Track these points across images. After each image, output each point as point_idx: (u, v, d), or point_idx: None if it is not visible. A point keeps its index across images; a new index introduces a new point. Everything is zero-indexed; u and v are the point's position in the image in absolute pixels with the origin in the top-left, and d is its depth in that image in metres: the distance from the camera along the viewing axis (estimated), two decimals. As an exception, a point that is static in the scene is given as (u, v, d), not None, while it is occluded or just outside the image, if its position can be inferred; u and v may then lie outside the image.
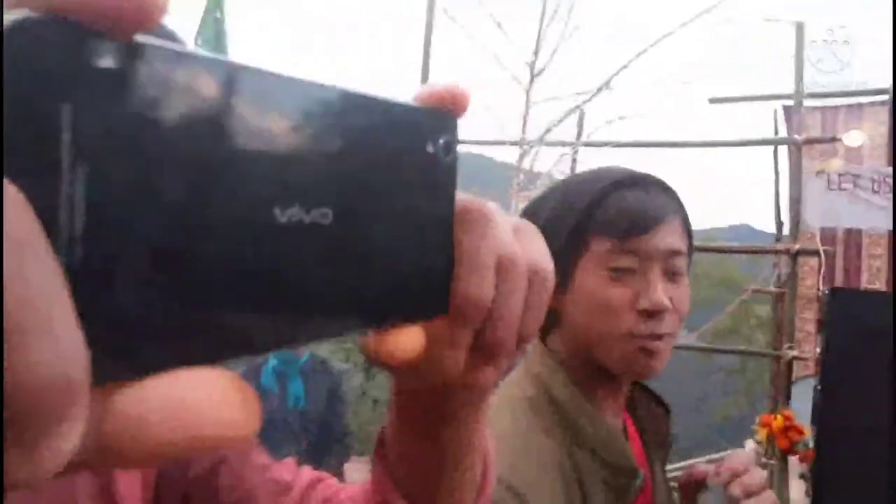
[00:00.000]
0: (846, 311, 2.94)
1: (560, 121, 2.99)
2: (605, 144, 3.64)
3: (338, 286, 0.23)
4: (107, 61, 0.16)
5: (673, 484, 0.91)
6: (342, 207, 0.22)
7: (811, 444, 2.88)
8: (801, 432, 2.85)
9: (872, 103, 5.22)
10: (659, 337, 0.77)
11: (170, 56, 0.17)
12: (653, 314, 0.76)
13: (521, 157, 2.93)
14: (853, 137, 4.03)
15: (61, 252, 0.15)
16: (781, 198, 5.87)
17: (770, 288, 4.41)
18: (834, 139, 3.87)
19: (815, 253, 3.64)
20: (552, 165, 3.34)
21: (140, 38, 0.16)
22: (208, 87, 0.18)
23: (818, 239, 3.99)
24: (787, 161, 5.54)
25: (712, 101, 5.68)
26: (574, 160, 3.63)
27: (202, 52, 0.18)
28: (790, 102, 5.12)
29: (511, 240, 0.29)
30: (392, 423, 0.40)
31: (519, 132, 2.91)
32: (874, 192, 4.68)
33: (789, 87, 4.89)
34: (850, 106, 5.39)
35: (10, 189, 0.14)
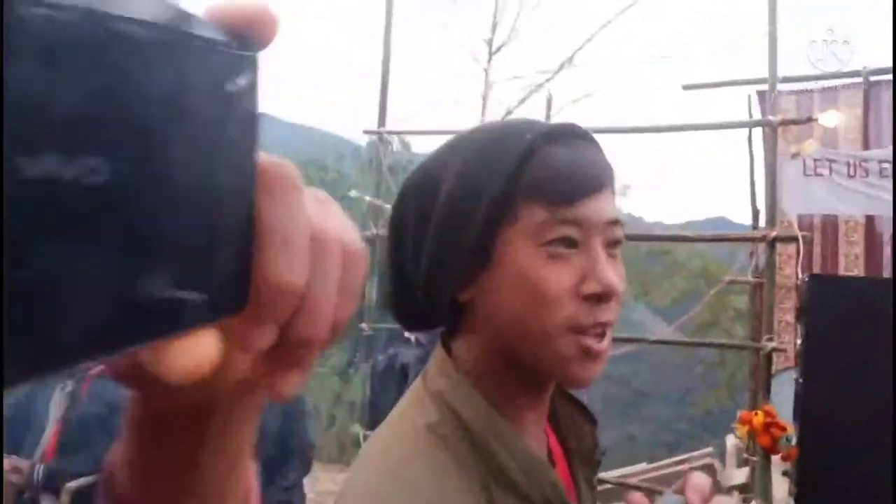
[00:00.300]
0: (825, 298, 2.82)
1: (522, 101, 2.81)
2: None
3: (108, 278, 0.17)
4: None
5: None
6: (118, 163, 0.17)
7: (794, 441, 2.75)
8: (783, 428, 2.71)
9: (847, 85, 5.14)
10: (604, 332, 0.64)
11: None
12: (601, 299, 0.63)
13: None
14: (829, 118, 3.93)
15: None
16: (757, 185, 5.82)
17: (748, 278, 4.29)
18: (810, 119, 3.75)
19: (793, 240, 3.52)
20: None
21: None
22: None
23: (796, 225, 3.88)
24: (762, 147, 5.47)
25: (686, 87, 5.58)
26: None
27: None
28: (764, 87, 5.03)
29: (319, 211, 0.25)
30: (127, 452, 0.31)
31: (478, 116, 2.72)
32: (850, 176, 4.60)
33: (763, 72, 4.81)
34: (824, 89, 5.31)
35: None
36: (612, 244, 0.65)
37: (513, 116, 2.74)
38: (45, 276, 0.16)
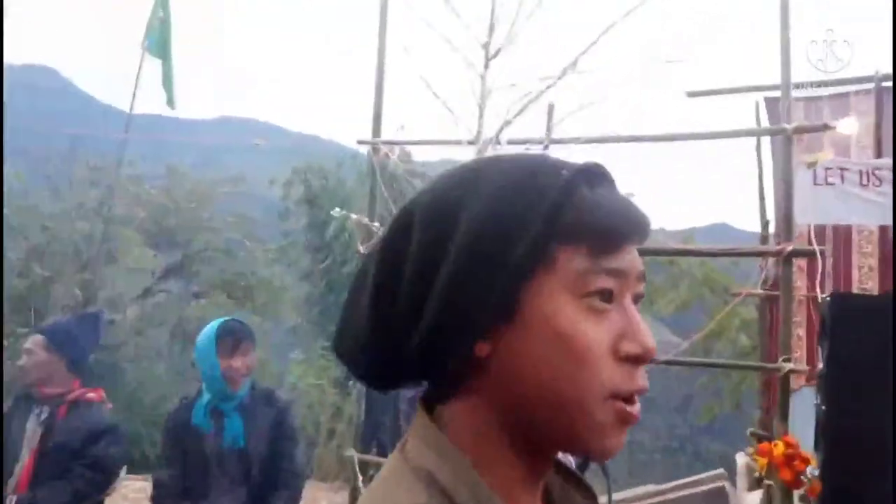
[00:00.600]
0: (848, 318, 2.65)
1: (521, 111, 2.64)
2: (575, 141, 3.28)
3: None
4: None
5: None
6: None
7: (815, 472, 2.58)
8: (806, 461, 2.54)
9: (857, 92, 4.99)
10: (635, 399, 0.59)
11: None
12: (639, 361, 0.58)
13: (479, 154, 2.59)
14: (847, 125, 3.77)
15: None
16: (764, 194, 5.66)
17: (759, 291, 4.11)
18: (827, 126, 3.58)
19: (810, 254, 3.35)
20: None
21: None
22: None
23: (812, 237, 3.71)
24: (770, 155, 5.31)
25: (690, 94, 5.43)
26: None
27: None
28: (773, 94, 4.87)
29: None
30: None
31: (474, 126, 2.56)
32: (862, 185, 4.43)
33: (770, 79, 4.66)
34: (833, 96, 5.16)
35: None
36: (636, 299, 0.61)
37: (512, 127, 2.60)
38: None
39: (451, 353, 0.57)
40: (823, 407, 2.42)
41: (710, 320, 6.50)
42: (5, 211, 13.37)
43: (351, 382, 8.56)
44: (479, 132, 2.64)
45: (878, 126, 4.85)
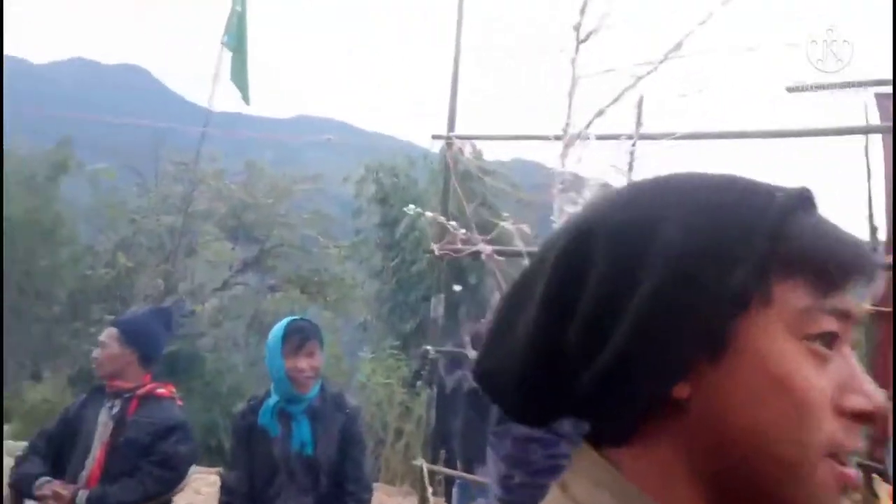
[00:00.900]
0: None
1: (615, 100, 2.45)
2: (667, 136, 3.03)
3: None
4: None
5: None
6: None
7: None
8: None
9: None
10: (848, 461, 0.53)
11: None
12: (865, 419, 0.52)
13: (566, 148, 2.41)
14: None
15: None
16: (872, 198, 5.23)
17: (866, 307, 3.73)
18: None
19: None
20: (608, 162, 2.77)
21: None
22: None
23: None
24: (881, 156, 4.90)
25: (790, 90, 5.06)
26: (632, 154, 3.05)
27: None
28: (883, 89, 4.49)
29: None
30: None
31: (564, 115, 2.39)
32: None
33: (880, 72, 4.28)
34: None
35: None
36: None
37: (605, 118, 2.41)
38: None
39: (643, 393, 0.51)
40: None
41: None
42: (97, 205, 14.05)
43: (419, 383, 8.49)
44: (567, 125, 2.46)
45: (893, 140, 4.42)
